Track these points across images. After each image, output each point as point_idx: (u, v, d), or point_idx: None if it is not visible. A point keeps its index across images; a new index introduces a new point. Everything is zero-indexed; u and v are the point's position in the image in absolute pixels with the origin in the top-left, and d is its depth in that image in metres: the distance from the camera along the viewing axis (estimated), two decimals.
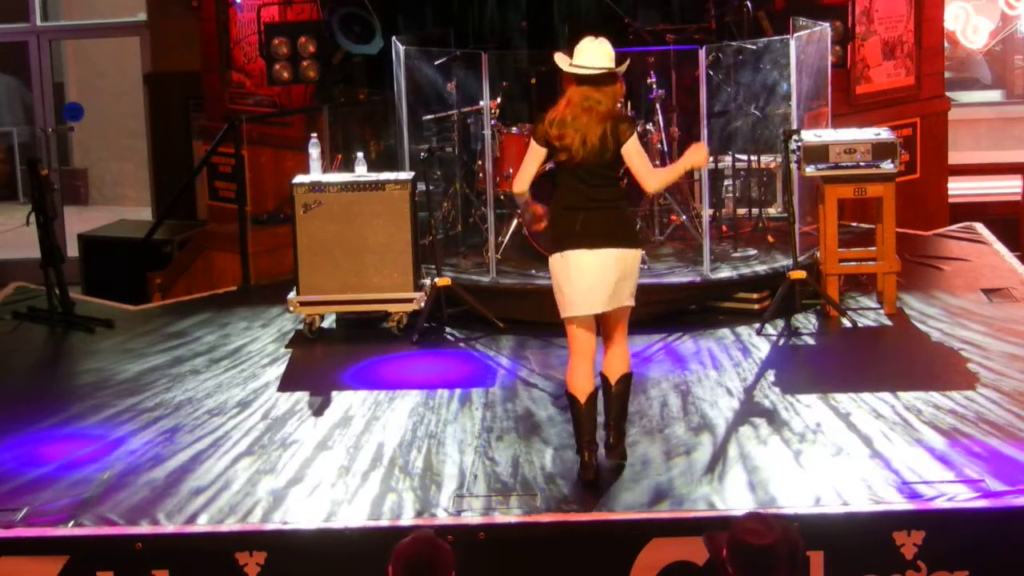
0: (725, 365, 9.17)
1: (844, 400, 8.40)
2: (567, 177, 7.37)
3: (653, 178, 7.41)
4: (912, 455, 7.55)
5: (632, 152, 7.29)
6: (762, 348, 9.51)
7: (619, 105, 7.50)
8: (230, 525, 7.02)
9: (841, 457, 7.60)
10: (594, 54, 7.32)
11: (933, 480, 7.20)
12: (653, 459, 7.69)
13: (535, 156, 7.37)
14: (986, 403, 8.27)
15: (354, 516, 7.06)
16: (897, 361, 9.24)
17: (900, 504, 6.96)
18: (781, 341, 9.64)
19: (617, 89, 7.38)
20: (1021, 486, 7.05)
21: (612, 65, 7.32)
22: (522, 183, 7.42)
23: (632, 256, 7.37)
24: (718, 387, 8.77)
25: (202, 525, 7.03)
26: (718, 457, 7.66)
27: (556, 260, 7.37)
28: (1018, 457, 7.45)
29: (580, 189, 7.33)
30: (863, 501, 7.01)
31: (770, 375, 8.97)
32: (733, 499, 7.09)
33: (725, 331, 9.87)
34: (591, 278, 7.27)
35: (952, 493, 7.02)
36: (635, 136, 7.33)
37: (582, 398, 7.39)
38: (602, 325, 7.48)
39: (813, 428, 8.02)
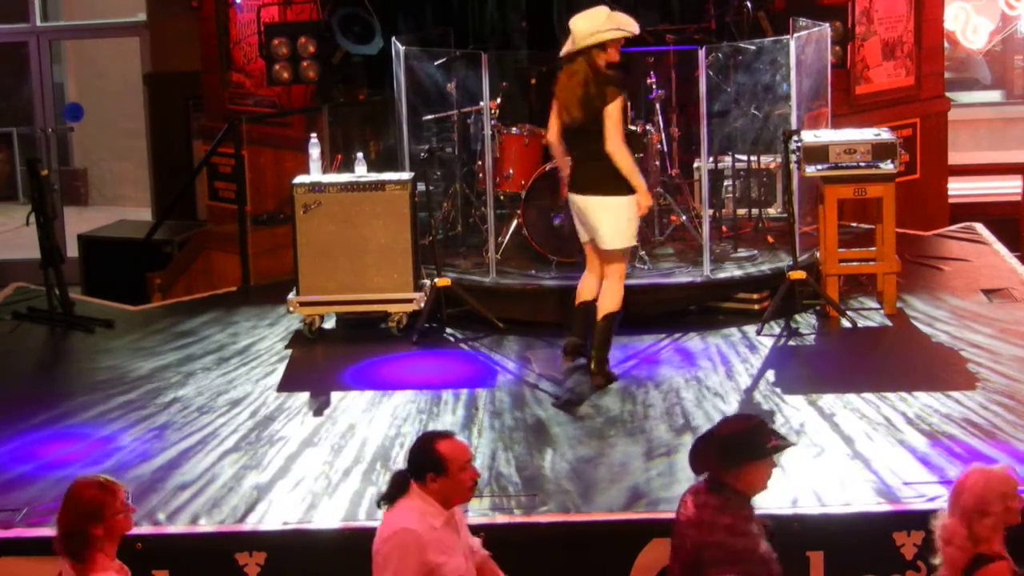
0: (723, 366, 9.15)
1: (838, 401, 8.39)
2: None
3: (617, 146, 8.53)
4: (898, 456, 7.56)
5: (609, 113, 8.46)
6: (760, 349, 9.49)
7: (606, 69, 8.61)
8: (230, 526, 7.03)
9: (822, 458, 7.60)
10: (572, 35, 8.56)
11: (921, 481, 7.22)
12: (633, 459, 7.70)
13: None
14: (989, 404, 8.27)
15: (340, 512, 7.11)
16: (897, 362, 9.22)
17: (900, 504, 6.96)
18: (780, 341, 9.63)
19: (592, 58, 8.54)
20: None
21: (577, 42, 8.53)
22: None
23: None
24: (712, 388, 8.75)
25: (202, 525, 7.05)
26: None
27: (631, 199, 8.58)
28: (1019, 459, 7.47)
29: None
30: (850, 502, 7.00)
31: (768, 375, 8.96)
32: None
33: (727, 331, 9.83)
34: None
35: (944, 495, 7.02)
36: (618, 101, 8.50)
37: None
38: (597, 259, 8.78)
39: (797, 428, 8.00)
